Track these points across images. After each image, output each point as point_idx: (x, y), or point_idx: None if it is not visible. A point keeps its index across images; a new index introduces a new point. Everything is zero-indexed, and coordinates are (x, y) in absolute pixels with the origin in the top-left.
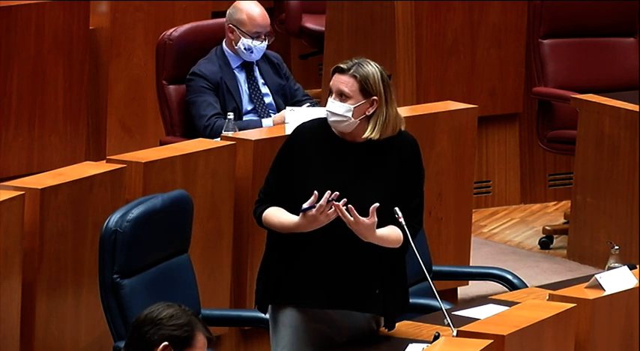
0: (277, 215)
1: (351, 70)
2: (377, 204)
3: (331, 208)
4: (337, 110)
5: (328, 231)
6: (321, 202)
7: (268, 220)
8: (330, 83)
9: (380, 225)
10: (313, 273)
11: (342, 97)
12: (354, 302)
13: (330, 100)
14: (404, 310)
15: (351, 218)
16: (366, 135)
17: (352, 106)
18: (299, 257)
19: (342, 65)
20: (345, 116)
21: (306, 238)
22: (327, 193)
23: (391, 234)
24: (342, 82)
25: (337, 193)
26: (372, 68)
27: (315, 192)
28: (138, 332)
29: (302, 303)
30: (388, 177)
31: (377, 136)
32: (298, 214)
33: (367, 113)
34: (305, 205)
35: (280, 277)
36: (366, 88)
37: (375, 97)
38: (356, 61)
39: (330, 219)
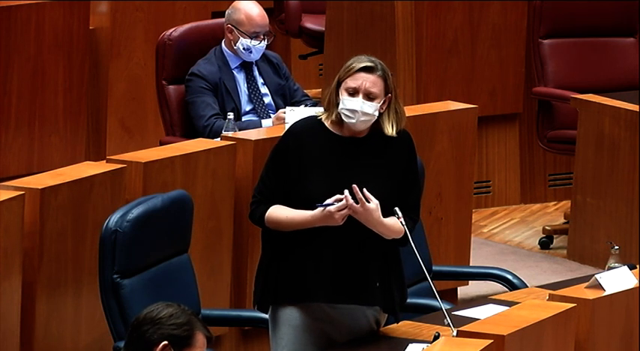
0: (284, 212)
1: (379, 70)
2: (364, 188)
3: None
4: (368, 110)
5: (329, 227)
6: (342, 202)
7: (274, 217)
8: (354, 83)
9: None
10: (315, 268)
11: (370, 97)
12: (355, 296)
13: (357, 99)
14: (403, 305)
15: (357, 205)
16: (389, 133)
17: (378, 105)
18: (299, 254)
19: (369, 64)
20: (374, 115)
21: (308, 235)
22: (346, 193)
23: (395, 223)
24: (371, 82)
25: (355, 186)
26: (385, 65)
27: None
28: (137, 332)
29: (304, 299)
30: (386, 171)
31: (395, 133)
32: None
33: (381, 110)
34: (329, 201)
35: (280, 276)
36: (387, 86)
37: (390, 94)
38: (374, 58)
39: (341, 220)
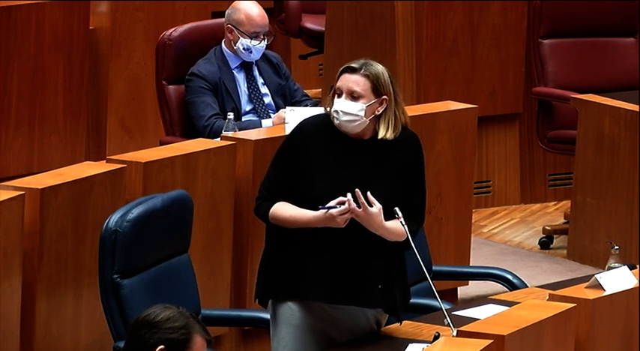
0: (288, 210)
1: (362, 70)
2: (368, 192)
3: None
4: (350, 109)
5: (333, 227)
6: (344, 206)
7: (278, 215)
8: (339, 84)
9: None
10: (317, 267)
11: (354, 96)
12: (356, 297)
13: (340, 100)
14: (405, 307)
15: (359, 209)
16: (381, 135)
17: (365, 105)
18: (302, 251)
19: (352, 65)
20: (358, 115)
21: (312, 232)
22: (349, 197)
23: (397, 227)
24: (353, 81)
25: (358, 190)
26: (380, 68)
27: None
28: (135, 335)
29: (304, 297)
30: (392, 173)
31: (391, 136)
32: (307, 209)
33: (377, 112)
34: (332, 203)
35: (282, 271)
36: (377, 87)
37: (385, 97)
38: (363, 61)
39: (344, 223)
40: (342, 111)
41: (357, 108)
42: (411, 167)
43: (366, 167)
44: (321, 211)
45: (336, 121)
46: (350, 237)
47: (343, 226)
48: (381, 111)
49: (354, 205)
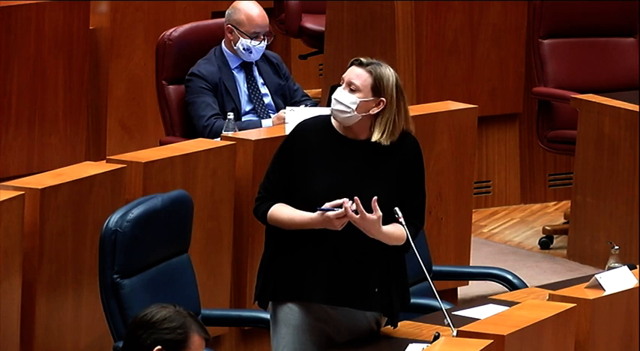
0: (286, 212)
1: (369, 66)
2: (375, 197)
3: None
4: (343, 99)
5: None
6: (341, 210)
7: (276, 216)
8: (344, 74)
9: (383, 223)
10: (315, 268)
11: (351, 88)
12: (352, 300)
13: (339, 89)
14: (404, 309)
15: (357, 216)
16: (374, 138)
17: (359, 100)
18: (301, 252)
19: (361, 59)
20: (350, 107)
21: (310, 234)
22: (347, 201)
23: (396, 231)
24: (355, 73)
25: (357, 198)
26: (388, 71)
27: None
28: (133, 336)
29: (301, 297)
30: (390, 176)
31: (386, 141)
32: (305, 210)
33: (371, 112)
34: (327, 206)
35: (281, 272)
36: (377, 87)
37: (383, 99)
38: (376, 60)
39: (340, 226)
40: (336, 99)
41: (351, 100)
42: (409, 170)
43: (364, 169)
44: (318, 213)
45: (331, 109)
46: (349, 240)
47: (339, 229)
48: (375, 111)
49: (350, 212)
